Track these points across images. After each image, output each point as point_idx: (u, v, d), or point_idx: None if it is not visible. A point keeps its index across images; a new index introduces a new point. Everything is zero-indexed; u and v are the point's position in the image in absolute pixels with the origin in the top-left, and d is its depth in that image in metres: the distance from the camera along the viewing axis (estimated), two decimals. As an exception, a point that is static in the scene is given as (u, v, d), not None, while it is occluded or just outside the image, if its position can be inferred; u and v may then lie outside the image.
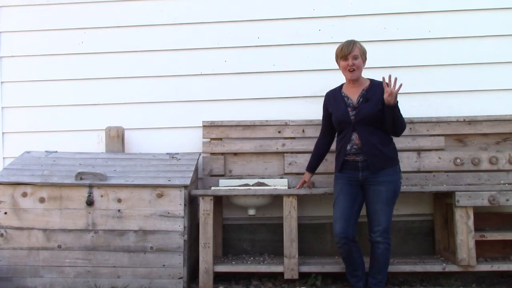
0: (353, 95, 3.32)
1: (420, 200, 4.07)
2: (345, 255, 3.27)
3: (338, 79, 4.18)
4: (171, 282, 3.50)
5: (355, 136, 3.25)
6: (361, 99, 3.28)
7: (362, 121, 3.23)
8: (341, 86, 3.44)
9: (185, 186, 3.55)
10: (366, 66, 4.13)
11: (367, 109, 3.23)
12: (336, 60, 3.39)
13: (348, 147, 3.27)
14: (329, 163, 3.77)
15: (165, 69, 4.26)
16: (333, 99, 3.40)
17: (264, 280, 3.78)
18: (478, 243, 3.54)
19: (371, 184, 3.22)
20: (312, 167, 3.59)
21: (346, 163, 3.30)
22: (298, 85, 4.20)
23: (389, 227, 3.21)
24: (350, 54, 3.27)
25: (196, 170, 3.91)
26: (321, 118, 3.56)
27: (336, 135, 3.47)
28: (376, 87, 3.30)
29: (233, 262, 3.75)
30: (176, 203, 3.53)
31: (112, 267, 3.52)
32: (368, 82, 3.35)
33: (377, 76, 4.13)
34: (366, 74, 4.15)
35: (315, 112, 3.91)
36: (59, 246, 3.53)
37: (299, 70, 4.21)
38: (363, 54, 3.33)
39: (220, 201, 3.98)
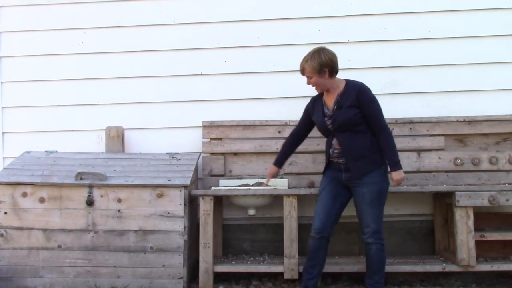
0: (330, 101, 3.31)
1: (420, 200, 4.07)
2: (313, 249, 3.28)
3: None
4: (171, 282, 3.50)
5: (335, 142, 3.28)
6: (335, 106, 3.26)
7: (340, 128, 3.23)
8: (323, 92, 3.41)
9: (185, 186, 3.55)
10: (366, 66, 4.17)
11: (342, 117, 3.20)
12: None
13: (331, 151, 3.32)
14: (329, 163, 3.77)
15: (165, 69, 4.26)
16: (315, 106, 3.39)
17: (264, 280, 3.78)
18: (478, 243, 3.54)
19: (355, 186, 3.23)
20: (279, 162, 3.59)
21: (331, 164, 3.35)
22: (298, 85, 4.16)
23: (379, 228, 3.18)
24: (303, 73, 3.30)
25: (196, 170, 3.91)
26: None
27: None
28: (350, 89, 3.24)
29: (233, 262, 3.75)
30: (176, 203, 3.53)
31: (112, 267, 3.52)
32: (343, 85, 3.29)
33: (377, 76, 4.17)
34: (366, 73, 4.17)
35: (315, 112, 3.90)
36: (59, 246, 3.53)
37: (299, 70, 4.20)
38: (318, 70, 3.20)
39: (220, 201, 3.98)
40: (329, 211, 3.27)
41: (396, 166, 3.21)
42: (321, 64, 3.20)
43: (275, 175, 3.60)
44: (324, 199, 3.30)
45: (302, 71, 3.29)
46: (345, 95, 3.23)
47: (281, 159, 3.58)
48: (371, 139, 3.23)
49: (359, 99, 3.20)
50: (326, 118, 3.28)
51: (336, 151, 3.27)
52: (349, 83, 3.29)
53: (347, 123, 3.19)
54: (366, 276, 3.27)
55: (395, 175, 3.22)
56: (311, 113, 3.42)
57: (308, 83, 3.30)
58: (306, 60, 3.25)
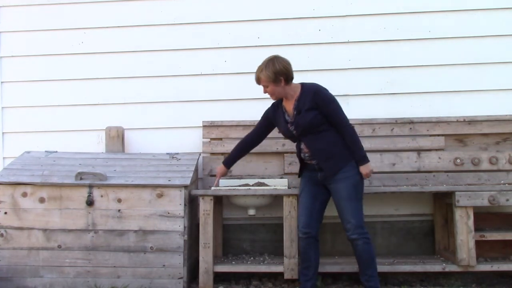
0: (289, 107, 3.32)
1: (420, 200, 4.07)
2: (303, 250, 3.31)
3: (338, 79, 4.20)
4: (171, 282, 3.50)
5: (303, 146, 3.31)
6: (295, 112, 3.27)
7: (303, 132, 3.25)
8: (282, 99, 3.41)
9: (185, 186, 3.55)
10: (367, 66, 4.17)
11: (302, 121, 3.22)
12: None
13: (302, 155, 3.35)
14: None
15: (165, 69, 4.26)
16: (276, 113, 3.40)
17: (264, 280, 3.78)
18: (478, 243, 3.53)
19: (330, 183, 3.25)
20: (229, 163, 3.59)
21: (306, 165, 3.38)
22: (298, 85, 4.19)
23: (361, 223, 3.19)
24: (259, 83, 3.30)
25: (196, 170, 3.91)
26: None
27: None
28: (306, 93, 3.26)
29: (233, 262, 3.75)
30: (176, 203, 3.53)
31: (112, 267, 3.52)
32: (299, 90, 3.30)
33: (377, 76, 4.17)
34: (366, 73, 4.18)
35: (315, 112, 3.90)
36: (59, 246, 3.53)
37: (299, 70, 4.17)
38: (273, 78, 3.21)
39: (220, 201, 3.98)
40: (311, 210, 3.30)
41: (363, 160, 3.23)
42: (276, 72, 3.22)
43: (224, 174, 3.64)
44: (304, 200, 3.34)
45: (258, 81, 3.30)
46: (302, 99, 3.25)
47: (231, 160, 3.58)
48: (336, 136, 3.25)
49: (316, 100, 3.21)
50: (288, 125, 3.31)
51: (306, 154, 3.31)
52: (304, 87, 3.30)
53: (309, 126, 3.21)
54: (360, 274, 3.28)
55: (364, 169, 3.23)
56: (272, 120, 3.43)
57: (265, 92, 3.31)
58: (260, 69, 3.26)
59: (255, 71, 3.30)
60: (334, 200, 3.28)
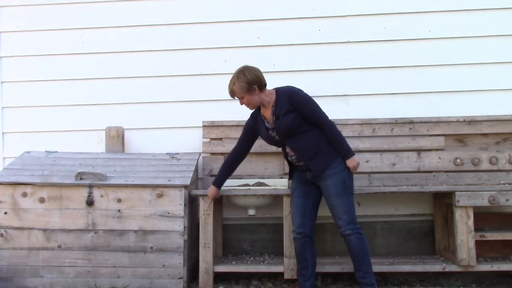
0: (268, 115, 3.34)
1: (420, 200, 4.07)
2: (299, 250, 3.31)
3: (338, 79, 4.20)
4: (171, 282, 3.50)
5: (288, 149, 3.34)
6: (274, 118, 3.28)
7: (286, 136, 3.26)
8: (259, 108, 3.40)
9: (185, 186, 3.55)
10: (367, 66, 4.17)
11: (283, 125, 3.23)
12: None
13: (289, 159, 3.37)
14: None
15: (165, 69, 4.26)
16: (256, 123, 3.40)
17: (264, 280, 3.78)
18: (478, 243, 3.53)
19: (319, 181, 3.27)
20: (219, 183, 3.52)
21: (295, 167, 3.40)
22: (298, 85, 4.17)
23: (353, 218, 3.19)
24: (233, 95, 3.30)
25: (196, 170, 3.91)
26: None
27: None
28: (281, 97, 3.27)
29: (233, 262, 3.75)
30: (176, 203, 3.53)
31: (112, 267, 3.52)
32: (274, 96, 3.31)
33: (377, 76, 4.17)
34: (366, 73, 4.18)
35: (315, 112, 3.89)
36: (59, 246, 3.53)
37: (299, 70, 4.21)
38: (247, 88, 3.23)
39: (220, 201, 3.98)
40: (303, 210, 3.31)
41: (348, 154, 3.24)
42: (249, 82, 3.23)
43: (217, 196, 3.54)
44: (296, 200, 3.35)
45: (232, 94, 3.30)
46: (278, 104, 3.26)
47: (221, 179, 3.51)
48: (319, 135, 3.25)
49: (292, 103, 3.23)
50: (270, 131, 3.32)
51: (293, 157, 3.33)
52: (279, 92, 3.31)
53: (290, 129, 3.22)
54: (355, 270, 3.27)
55: (350, 163, 3.23)
56: (254, 130, 3.42)
57: (241, 103, 3.32)
58: (233, 82, 3.26)
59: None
60: (325, 198, 3.29)
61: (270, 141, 3.38)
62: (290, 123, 3.21)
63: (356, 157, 3.25)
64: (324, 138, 3.25)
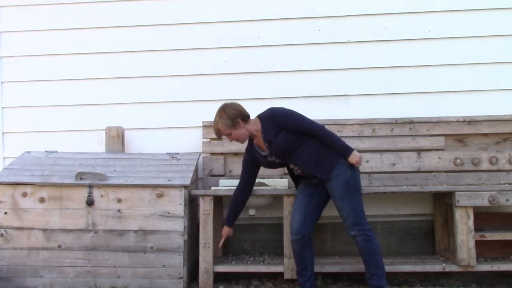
0: (261, 143, 3.34)
1: (420, 200, 4.07)
2: (297, 252, 3.30)
3: (338, 79, 4.20)
4: (171, 282, 3.50)
5: (293, 166, 3.37)
6: (267, 144, 3.28)
7: (286, 156, 3.27)
8: (251, 140, 3.41)
9: (185, 186, 3.55)
10: (367, 66, 4.18)
11: (277, 148, 3.24)
12: None
13: (296, 174, 3.41)
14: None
15: (165, 69, 4.26)
16: (253, 156, 3.40)
17: (264, 280, 3.78)
18: (478, 243, 3.53)
19: (327, 184, 3.27)
20: (232, 221, 3.51)
21: (302, 178, 3.42)
22: (298, 85, 4.20)
23: (359, 219, 3.17)
24: (220, 134, 3.31)
25: (196, 170, 3.91)
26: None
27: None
28: (266, 123, 3.27)
29: (233, 262, 3.75)
30: (176, 203, 3.53)
31: (112, 267, 3.52)
32: (259, 123, 3.31)
33: (377, 76, 4.17)
34: (366, 73, 4.18)
35: (315, 112, 3.89)
36: (59, 246, 3.53)
37: (299, 70, 4.20)
38: (231, 124, 3.25)
39: (220, 201, 3.98)
40: (305, 210, 3.30)
41: (347, 152, 3.23)
42: (231, 118, 3.25)
43: (230, 235, 3.54)
44: (299, 200, 3.36)
45: (219, 133, 3.30)
46: (265, 130, 3.27)
47: (233, 217, 3.50)
48: (315, 142, 3.25)
49: (276, 124, 3.23)
50: (268, 158, 3.33)
51: (298, 171, 3.36)
52: (262, 118, 3.31)
53: (285, 148, 3.23)
54: (365, 271, 3.25)
55: (351, 159, 3.22)
56: (254, 162, 3.42)
57: (231, 139, 3.33)
58: (216, 122, 3.28)
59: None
60: (332, 201, 3.29)
61: (273, 166, 3.40)
62: (283, 143, 3.21)
63: (356, 152, 3.24)
64: (320, 144, 3.25)
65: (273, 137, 3.23)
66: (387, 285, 3.19)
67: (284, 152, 3.24)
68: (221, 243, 3.59)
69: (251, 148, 3.41)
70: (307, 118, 3.28)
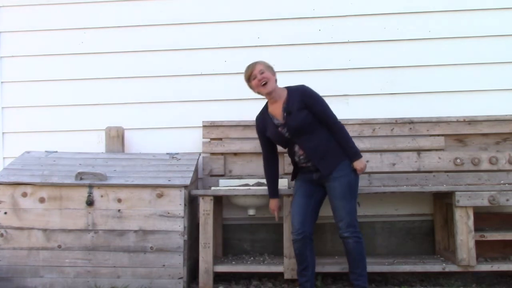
0: (277, 112, 3.32)
1: (420, 200, 4.07)
2: (299, 251, 3.30)
3: (338, 79, 4.20)
4: (171, 282, 3.50)
5: (297, 148, 3.31)
6: (285, 114, 3.27)
7: (296, 134, 3.26)
8: (266, 107, 3.41)
9: (185, 186, 3.55)
10: (367, 66, 4.18)
11: (295, 122, 3.23)
12: (249, 86, 3.37)
13: (296, 159, 3.35)
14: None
15: (165, 69, 4.26)
16: (265, 123, 3.38)
17: (264, 280, 3.78)
18: (478, 243, 3.53)
19: (326, 181, 3.27)
20: (275, 193, 3.51)
21: (300, 169, 3.39)
22: (298, 85, 4.19)
23: (354, 222, 3.20)
24: (254, 71, 3.30)
25: (196, 170, 3.91)
26: None
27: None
28: (294, 94, 3.29)
29: (233, 262, 3.75)
30: (176, 203, 3.53)
31: (112, 267, 3.52)
32: (285, 93, 3.33)
33: (377, 76, 4.17)
34: (366, 73, 4.18)
35: (315, 112, 3.89)
36: (59, 246, 3.53)
37: (299, 70, 4.20)
38: (269, 68, 3.31)
39: (220, 201, 3.98)
40: (305, 209, 3.30)
41: (356, 155, 3.26)
42: (270, 66, 3.32)
43: (280, 206, 3.54)
44: (299, 199, 3.34)
45: (253, 69, 3.29)
46: (290, 101, 3.27)
47: (275, 188, 3.50)
48: (328, 134, 3.27)
49: (304, 100, 3.25)
50: (279, 128, 3.31)
51: (301, 157, 3.31)
52: (290, 89, 3.33)
53: (302, 126, 3.23)
54: (349, 272, 3.28)
55: (358, 164, 3.25)
56: (264, 131, 3.40)
57: (260, 79, 3.27)
58: (256, 62, 3.32)
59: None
60: (329, 198, 3.29)
61: (279, 139, 3.34)
62: (303, 120, 3.21)
63: (364, 160, 3.27)
64: (332, 138, 3.26)
65: (295, 109, 3.23)
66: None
67: (298, 128, 3.22)
68: (277, 217, 3.54)
69: (262, 116, 3.40)
70: (332, 110, 3.30)
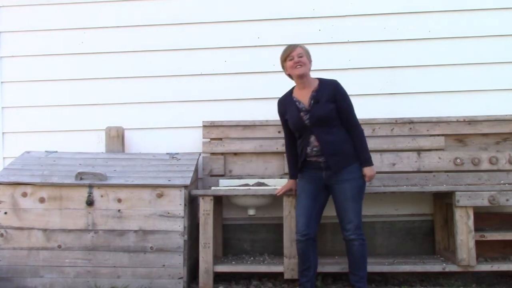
0: (304, 98, 3.30)
1: (420, 200, 4.07)
2: (302, 252, 3.29)
3: (338, 79, 4.19)
4: (171, 282, 3.50)
5: (313, 138, 3.27)
6: (312, 101, 3.26)
7: (317, 123, 3.24)
8: (291, 91, 3.40)
9: (185, 186, 3.55)
10: (366, 66, 4.18)
11: (320, 111, 3.22)
12: (283, 66, 3.36)
13: (309, 150, 3.28)
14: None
15: (165, 69, 4.26)
16: (286, 105, 3.37)
17: (264, 280, 3.78)
18: (478, 243, 3.54)
19: (335, 183, 3.24)
20: (296, 174, 3.46)
21: (308, 163, 3.31)
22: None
23: (360, 224, 3.21)
24: (293, 52, 3.27)
25: (196, 170, 3.91)
26: None
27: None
28: (326, 86, 3.29)
29: (233, 262, 3.75)
30: (176, 203, 3.53)
31: (112, 267, 3.52)
32: (317, 82, 3.32)
33: (377, 76, 4.17)
34: (366, 73, 4.18)
35: (315, 112, 3.89)
36: (59, 246, 3.53)
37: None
38: (307, 54, 3.31)
39: (220, 201, 3.98)
40: (310, 212, 3.28)
41: (368, 162, 3.27)
42: (308, 51, 3.32)
43: (294, 187, 3.49)
44: (304, 201, 3.31)
45: (293, 49, 3.27)
46: (321, 90, 3.27)
47: (295, 170, 3.44)
48: (345, 134, 3.27)
49: (335, 94, 3.25)
50: (302, 113, 3.28)
51: (315, 148, 3.26)
52: (322, 80, 3.34)
53: (325, 118, 3.22)
54: (350, 274, 3.28)
55: (368, 171, 3.25)
56: (285, 114, 3.38)
57: (296, 61, 3.24)
58: (296, 45, 3.31)
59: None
60: (335, 199, 3.27)
61: (298, 124, 3.28)
62: (328, 112, 3.21)
63: (374, 168, 3.28)
64: (349, 139, 3.27)
65: (323, 100, 3.23)
66: None
67: (321, 118, 3.21)
68: (281, 191, 3.50)
69: (285, 98, 3.38)
70: (355, 113, 3.33)
